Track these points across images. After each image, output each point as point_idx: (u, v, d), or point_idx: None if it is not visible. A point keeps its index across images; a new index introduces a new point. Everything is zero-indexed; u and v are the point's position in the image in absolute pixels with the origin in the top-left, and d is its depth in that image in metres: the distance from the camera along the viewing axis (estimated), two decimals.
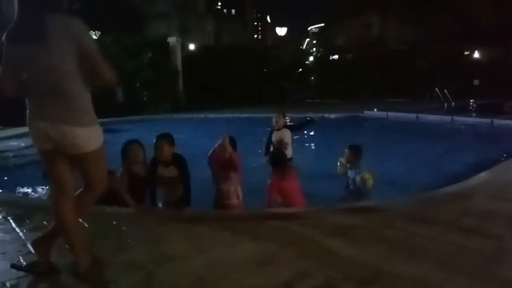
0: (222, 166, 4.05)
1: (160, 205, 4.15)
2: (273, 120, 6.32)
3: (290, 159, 6.38)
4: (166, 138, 3.99)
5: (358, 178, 4.46)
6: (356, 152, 4.65)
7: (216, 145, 4.06)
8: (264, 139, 6.32)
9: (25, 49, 2.37)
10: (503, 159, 6.30)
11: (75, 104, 2.41)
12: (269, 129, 6.38)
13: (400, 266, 2.70)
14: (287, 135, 6.30)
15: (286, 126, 6.43)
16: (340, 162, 4.76)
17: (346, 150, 4.70)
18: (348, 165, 4.68)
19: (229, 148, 3.97)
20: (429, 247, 3.02)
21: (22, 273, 2.63)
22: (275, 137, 6.29)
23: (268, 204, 4.18)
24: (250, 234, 3.30)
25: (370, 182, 4.38)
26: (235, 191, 4.08)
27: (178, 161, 4.01)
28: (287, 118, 6.42)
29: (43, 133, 2.41)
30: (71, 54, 2.36)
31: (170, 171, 4.01)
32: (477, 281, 2.50)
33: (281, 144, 6.37)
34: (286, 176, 4.27)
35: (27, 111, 2.48)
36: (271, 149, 6.29)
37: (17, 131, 11.26)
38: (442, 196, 4.42)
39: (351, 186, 4.70)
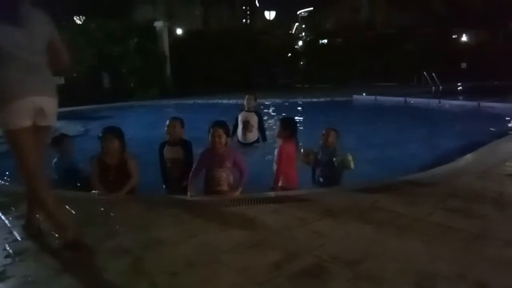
0: (217, 156, 3.99)
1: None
2: (245, 101, 6.70)
3: (255, 141, 6.68)
4: (178, 118, 4.54)
5: (338, 159, 4.38)
6: (338, 133, 4.62)
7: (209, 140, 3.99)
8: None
9: (8, 31, 2.55)
10: (489, 140, 6.38)
11: (52, 80, 2.80)
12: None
13: (388, 246, 2.74)
14: (253, 118, 6.68)
15: (255, 112, 6.75)
16: (307, 150, 4.56)
17: (328, 132, 4.53)
18: (320, 149, 4.55)
19: (223, 140, 3.94)
20: (417, 227, 3.06)
21: (8, 261, 2.60)
22: (242, 117, 6.67)
23: (278, 168, 4.24)
24: (239, 218, 3.31)
25: (352, 164, 4.33)
26: (227, 178, 4.02)
27: (186, 144, 4.46)
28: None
29: (32, 109, 2.59)
30: (46, 39, 2.73)
31: (176, 152, 4.42)
32: (464, 260, 2.54)
33: (246, 124, 6.65)
34: (294, 142, 4.35)
35: (3, 89, 2.54)
36: (239, 128, 6.59)
37: None
38: (429, 177, 4.48)
39: (321, 172, 4.55)
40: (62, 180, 4.53)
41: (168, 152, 4.48)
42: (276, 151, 4.33)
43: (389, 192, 3.90)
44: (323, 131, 4.56)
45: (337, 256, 2.58)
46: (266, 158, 5.66)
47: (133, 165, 4.15)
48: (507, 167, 4.86)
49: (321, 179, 4.53)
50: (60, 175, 4.56)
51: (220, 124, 4.03)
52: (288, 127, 4.35)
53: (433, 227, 3.04)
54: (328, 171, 4.46)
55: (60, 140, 4.74)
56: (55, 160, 4.62)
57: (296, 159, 4.37)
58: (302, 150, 4.55)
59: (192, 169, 4.08)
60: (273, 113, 12.32)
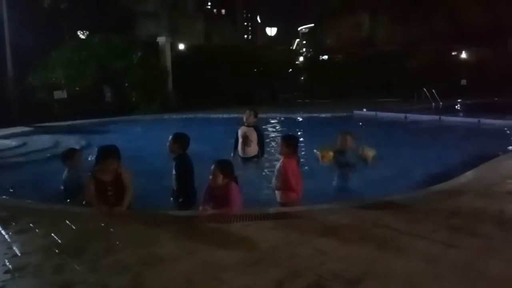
0: (215, 194, 3.89)
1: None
2: (244, 116, 6.71)
3: (255, 156, 6.68)
4: (174, 136, 4.53)
5: (358, 156, 4.55)
6: (353, 135, 4.74)
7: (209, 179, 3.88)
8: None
9: None
10: (489, 157, 6.37)
11: None
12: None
13: (389, 265, 2.71)
14: (253, 134, 6.69)
15: (255, 128, 6.76)
16: (323, 152, 4.56)
17: (345, 136, 4.69)
18: (335, 153, 4.63)
19: (220, 180, 3.81)
20: (419, 246, 3.03)
21: (8, 277, 2.59)
22: (241, 131, 6.69)
23: (287, 182, 4.22)
24: (240, 235, 3.29)
25: (370, 154, 4.50)
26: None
27: (177, 161, 4.45)
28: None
29: None
30: None
31: (172, 167, 4.49)
32: (466, 279, 2.52)
33: (245, 139, 6.66)
34: (295, 159, 4.38)
35: None
36: (239, 143, 6.58)
37: (4, 132, 11.10)
38: (431, 195, 4.47)
39: (341, 172, 4.71)
40: (69, 194, 4.53)
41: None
42: (277, 168, 4.33)
43: (391, 210, 3.89)
44: (339, 137, 4.71)
45: (339, 275, 2.56)
46: (265, 173, 5.65)
47: (127, 177, 4.12)
48: (508, 184, 4.85)
49: (341, 181, 4.73)
50: (67, 189, 4.57)
51: (220, 164, 3.91)
52: (290, 144, 4.37)
53: (435, 246, 3.02)
54: (349, 171, 4.69)
55: (70, 153, 4.74)
56: (65, 173, 4.62)
57: (299, 175, 4.37)
58: (320, 154, 4.58)
59: (204, 192, 4.01)
60: (274, 128, 12.35)
